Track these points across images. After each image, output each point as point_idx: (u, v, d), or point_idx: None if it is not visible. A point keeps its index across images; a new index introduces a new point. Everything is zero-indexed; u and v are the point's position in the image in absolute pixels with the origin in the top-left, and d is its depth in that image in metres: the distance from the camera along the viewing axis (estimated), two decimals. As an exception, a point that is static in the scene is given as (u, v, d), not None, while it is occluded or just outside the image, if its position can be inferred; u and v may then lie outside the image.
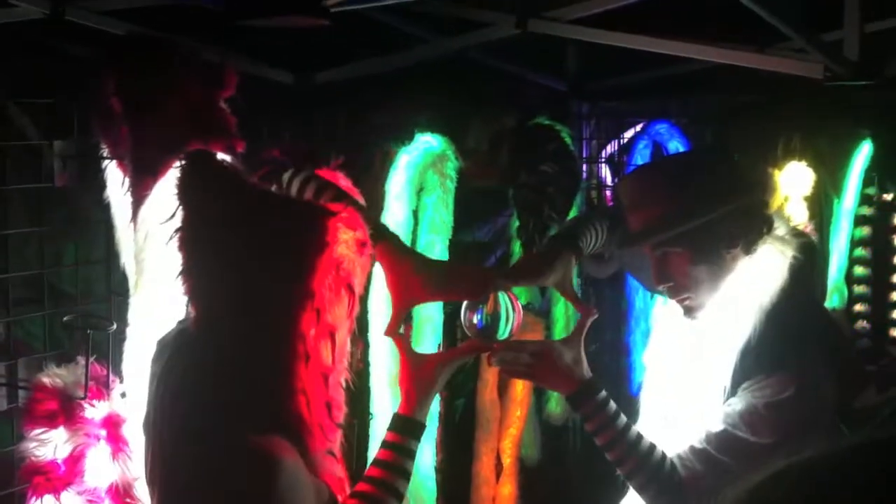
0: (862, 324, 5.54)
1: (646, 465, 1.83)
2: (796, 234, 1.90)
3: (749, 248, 1.86)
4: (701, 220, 1.81)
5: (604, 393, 1.86)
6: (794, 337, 1.83)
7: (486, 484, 3.24)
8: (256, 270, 1.48)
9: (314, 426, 1.51)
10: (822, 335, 1.88)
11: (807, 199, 4.81)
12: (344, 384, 1.60)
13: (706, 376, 1.87)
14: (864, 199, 5.44)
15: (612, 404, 1.86)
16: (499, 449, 3.26)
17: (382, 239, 1.73)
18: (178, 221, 1.54)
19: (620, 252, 2.11)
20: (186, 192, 1.55)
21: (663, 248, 1.87)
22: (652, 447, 1.85)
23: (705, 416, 1.85)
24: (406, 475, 1.74)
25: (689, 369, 1.92)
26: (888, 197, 5.58)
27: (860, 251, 5.46)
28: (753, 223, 1.86)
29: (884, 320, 5.59)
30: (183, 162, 1.59)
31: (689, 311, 1.92)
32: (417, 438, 1.78)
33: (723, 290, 1.86)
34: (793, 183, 4.73)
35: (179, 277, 1.54)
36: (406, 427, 1.77)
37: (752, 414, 1.79)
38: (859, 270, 5.48)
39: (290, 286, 1.45)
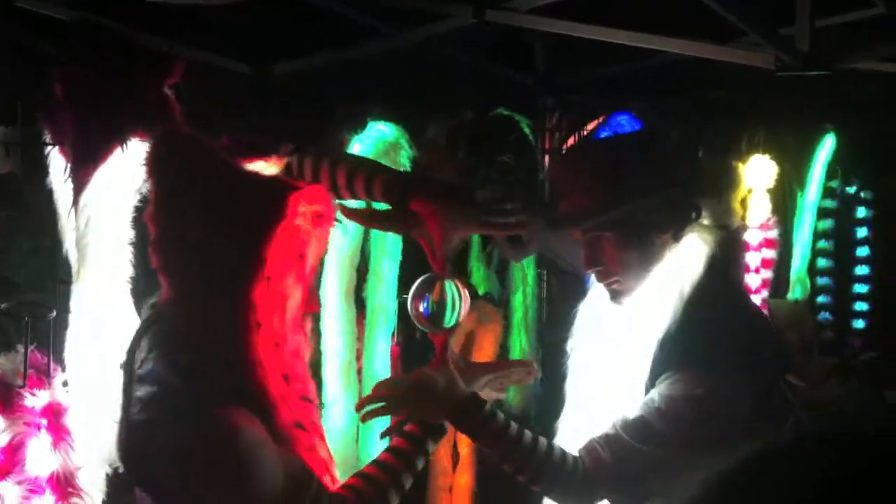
0: (824, 315, 5.58)
1: (546, 468, 1.78)
2: (720, 225, 1.89)
3: (678, 236, 1.85)
4: (631, 205, 1.79)
5: (489, 406, 1.79)
6: (707, 333, 1.79)
7: (442, 474, 3.25)
8: (215, 240, 1.50)
9: (276, 398, 1.52)
10: (738, 333, 1.82)
11: (771, 191, 4.85)
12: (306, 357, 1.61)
13: (629, 364, 1.85)
14: (828, 192, 5.49)
15: (500, 415, 1.79)
16: (455, 439, 3.26)
17: (416, 189, 1.72)
18: (147, 195, 1.57)
19: (541, 235, 2.08)
20: (156, 165, 1.57)
21: (593, 233, 1.85)
22: (550, 448, 1.80)
23: (625, 403, 1.82)
24: (413, 470, 1.74)
25: (613, 357, 1.90)
26: (851, 190, 5.65)
27: (823, 243, 5.51)
28: (684, 211, 1.85)
29: (846, 312, 5.65)
30: (154, 137, 1.60)
31: (616, 296, 1.89)
32: (435, 440, 1.78)
33: (650, 277, 1.84)
34: (757, 176, 4.77)
35: (150, 249, 1.56)
36: (428, 425, 1.77)
37: (669, 405, 1.76)
38: (822, 262, 5.53)
39: (243, 254, 1.47)
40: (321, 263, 2.62)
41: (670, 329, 1.81)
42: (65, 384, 2.15)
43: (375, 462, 1.73)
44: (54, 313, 2.13)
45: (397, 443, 1.76)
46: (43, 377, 2.13)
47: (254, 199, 1.50)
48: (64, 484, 2.12)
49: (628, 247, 1.83)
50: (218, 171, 1.56)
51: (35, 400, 2.10)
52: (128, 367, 1.60)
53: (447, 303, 1.81)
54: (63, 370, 2.16)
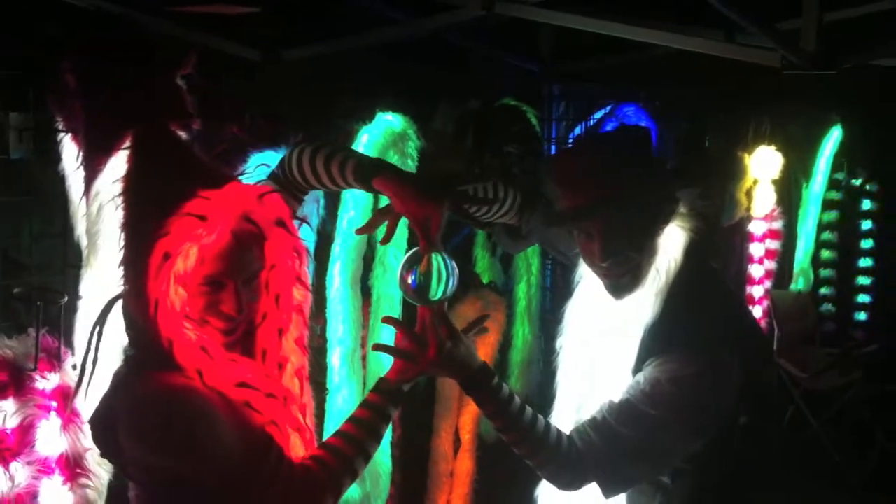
0: (827, 307, 5.60)
1: (543, 445, 1.84)
2: (694, 213, 1.91)
3: (665, 227, 1.89)
4: (643, 195, 1.81)
5: (497, 378, 1.85)
6: (689, 318, 1.83)
7: (443, 460, 3.28)
8: (138, 224, 1.56)
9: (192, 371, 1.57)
10: (723, 316, 1.87)
11: (776, 182, 4.87)
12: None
13: (618, 355, 1.88)
14: (833, 184, 5.51)
15: (506, 388, 1.86)
16: (458, 425, 3.30)
17: (379, 171, 1.75)
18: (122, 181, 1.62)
19: (539, 227, 2.10)
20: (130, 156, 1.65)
21: (606, 221, 1.84)
22: (547, 427, 1.86)
23: (614, 392, 1.86)
24: (377, 437, 1.79)
25: (602, 349, 1.93)
26: (856, 182, 5.66)
27: (827, 235, 5.53)
28: (677, 201, 1.89)
29: (849, 304, 5.67)
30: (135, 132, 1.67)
31: (623, 289, 1.89)
32: (396, 405, 1.83)
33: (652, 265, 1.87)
34: (762, 166, 4.78)
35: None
36: (388, 390, 1.82)
37: (654, 387, 1.80)
38: (826, 254, 5.55)
39: (153, 225, 1.52)
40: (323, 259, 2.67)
41: (656, 316, 1.86)
42: (74, 368, 2.20)
43: (339, 433, 1.77)
44: (66, 298, 2.17)
45: (360, 413, 1.80)
46: (53, 361, 2.17)
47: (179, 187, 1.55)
48: (73, 465, 2.17)
49: (642, 235, 1.84)
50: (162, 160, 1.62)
51: (45, 383, 2.15)
52: (94, 343, 1.67)
53: (433, 275, 1.82)
54: (73, 354, 2.21)
